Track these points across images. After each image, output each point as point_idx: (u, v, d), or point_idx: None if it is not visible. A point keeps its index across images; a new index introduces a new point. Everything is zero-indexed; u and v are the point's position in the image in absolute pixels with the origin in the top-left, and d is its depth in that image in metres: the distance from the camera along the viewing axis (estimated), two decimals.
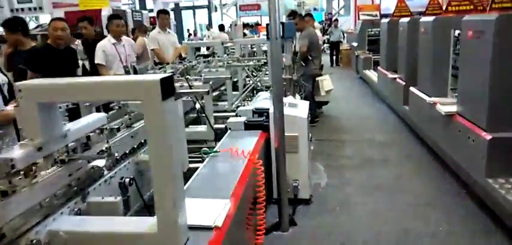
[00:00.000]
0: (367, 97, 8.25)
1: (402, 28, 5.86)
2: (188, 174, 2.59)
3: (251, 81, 5.26)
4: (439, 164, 4.29)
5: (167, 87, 1.46)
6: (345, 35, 15.10)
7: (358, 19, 13.20)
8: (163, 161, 1.48)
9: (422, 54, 4.87)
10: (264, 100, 4.54)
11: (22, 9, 6.84)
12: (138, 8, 18.36)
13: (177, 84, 3.25)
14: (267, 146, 3.34)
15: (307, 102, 4.06)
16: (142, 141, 2.73)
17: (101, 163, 2.12)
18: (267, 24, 4.74)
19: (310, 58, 6.03)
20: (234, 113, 3.92)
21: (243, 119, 3.49)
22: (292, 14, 7.02)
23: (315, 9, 21.29)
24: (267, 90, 5.14)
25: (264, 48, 6.53)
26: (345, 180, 4.14)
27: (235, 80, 5.02)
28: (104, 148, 2.11)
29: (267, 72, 5.68)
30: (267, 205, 3.41)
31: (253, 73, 5.50)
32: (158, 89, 1.42)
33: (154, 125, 1.45)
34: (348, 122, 6.38)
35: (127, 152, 2.51)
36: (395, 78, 6.21)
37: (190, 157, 3.06)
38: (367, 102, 7.75)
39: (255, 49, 7.06)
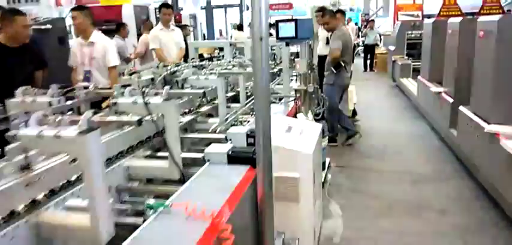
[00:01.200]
0: (404, 111, 7.03)
1: (452, 30, 4.69)
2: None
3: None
4: (502, 220, 3.14)
5: None
6: (382, 37, 13.76)
7: (397, 20, 11.86)
8: None
9: (480, 64, 3.71)
10: (272, 116, 3.62)
11: (18, 1, 6.27)
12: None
13: (128, 101, 2.36)
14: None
15: (320, 125, 3.07)
16: (57, 188, 1.86)
17: None
18: (277, 21, 3.87)
19: (342, 64, 4.98)
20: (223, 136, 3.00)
21: (226, 148, 2.54)
22: (321, 10, 6.00)
23: (351, 9, 19.94)
24: (278, 103, 4.20)
25: (293, 49, 5.49)
26: (367, 232, 3.10)
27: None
28: None
29: (282, 81, 4.75)
30: None
31: None
32: None
33: None
34: (379, 143, 5.26)
35: (19, 209, 1.64)
36: (440, 92, 5.03)
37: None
38: (404, 118, 6.55)
39: (274, 51, 6.07)
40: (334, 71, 4.95)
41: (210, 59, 5.30)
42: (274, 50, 6.14)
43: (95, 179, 1.58)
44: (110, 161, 2.27)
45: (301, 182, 2.45)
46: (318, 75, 6.39)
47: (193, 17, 14.34)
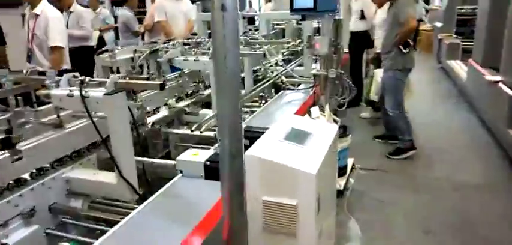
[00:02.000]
0: (449, 100, 6.03)
1: None
2: None
3: (270, 76, 3.65)
4: None
5: None
6: (428, 12, 12.41)
7: None
8: None
9: None
10: (282, 107, 3.06)
11: None
12: None
13: (62, 93, 1.77)
14: None
15: (336, 126, 2.35)
16: None
17: None
18: None
19: (411, 43, 3.94)
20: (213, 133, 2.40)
21: (203, 156, 1.91)
22: None
23: None
24: (295, 90, 3.56)
25: (314, 25, 4.57)
26: None
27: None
28: None
29: (302, 63, 4.11)
30: None
31: (278, 63, 3.86)
32: None
33: None
34: (418, 140, 4.42)
35: None
36: (496, 82, 4.10)
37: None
38: (450, 109, 5.59)
39: (300, 25, 5.28)
40: (404, 51, 3.79)
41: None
42: (301, 24, 5.37)
43: None
44: (42, 172, 1.72)
45: (301, 210, 1.78)
46: (351, 56, 5.44)
47: None
